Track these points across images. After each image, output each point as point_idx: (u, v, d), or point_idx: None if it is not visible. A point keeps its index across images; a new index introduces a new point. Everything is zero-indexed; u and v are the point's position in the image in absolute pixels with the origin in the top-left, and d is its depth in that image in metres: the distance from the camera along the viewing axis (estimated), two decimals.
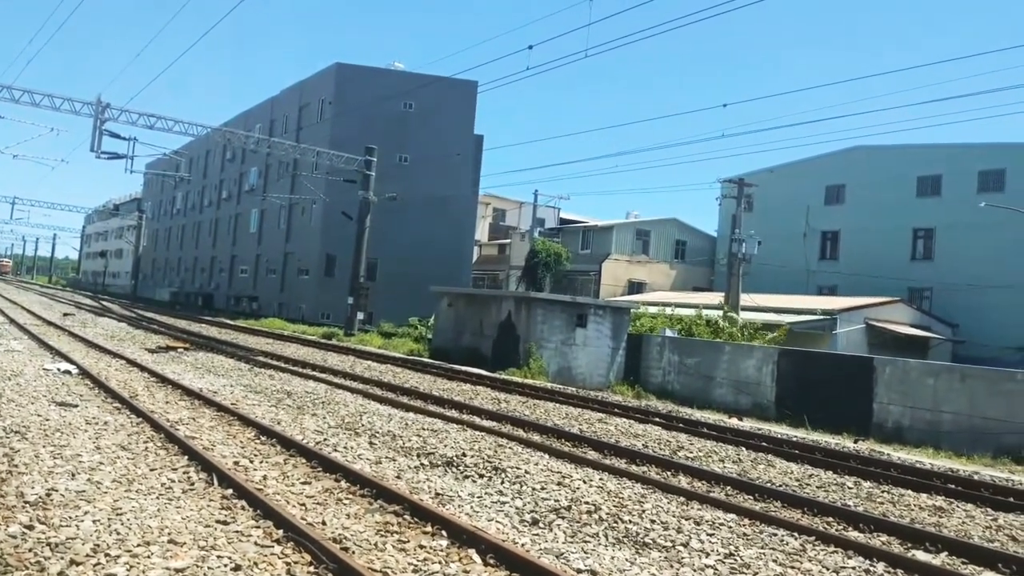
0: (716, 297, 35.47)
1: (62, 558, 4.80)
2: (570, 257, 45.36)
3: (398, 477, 7.86)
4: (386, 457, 8.83)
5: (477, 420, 12.10)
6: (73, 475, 6.82)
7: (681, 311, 30.19)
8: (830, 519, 7.60)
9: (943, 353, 33.64)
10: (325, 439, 9.60)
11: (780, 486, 8.97)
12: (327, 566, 4.98)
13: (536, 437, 10.99)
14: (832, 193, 44.26)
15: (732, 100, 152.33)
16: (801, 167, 45.32)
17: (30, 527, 5.33)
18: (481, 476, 8.19)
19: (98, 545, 5.08)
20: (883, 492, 9.20)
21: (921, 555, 6.60)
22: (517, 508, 7.00)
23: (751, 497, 8.32)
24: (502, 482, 7.96)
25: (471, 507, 6.92)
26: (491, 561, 5.41)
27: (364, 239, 33.01)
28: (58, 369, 14.08)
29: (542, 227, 50.20)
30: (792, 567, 5.88)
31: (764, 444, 11.88)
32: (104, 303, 49.31)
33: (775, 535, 6.73)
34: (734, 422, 15.16)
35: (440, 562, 5.35)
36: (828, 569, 5.91)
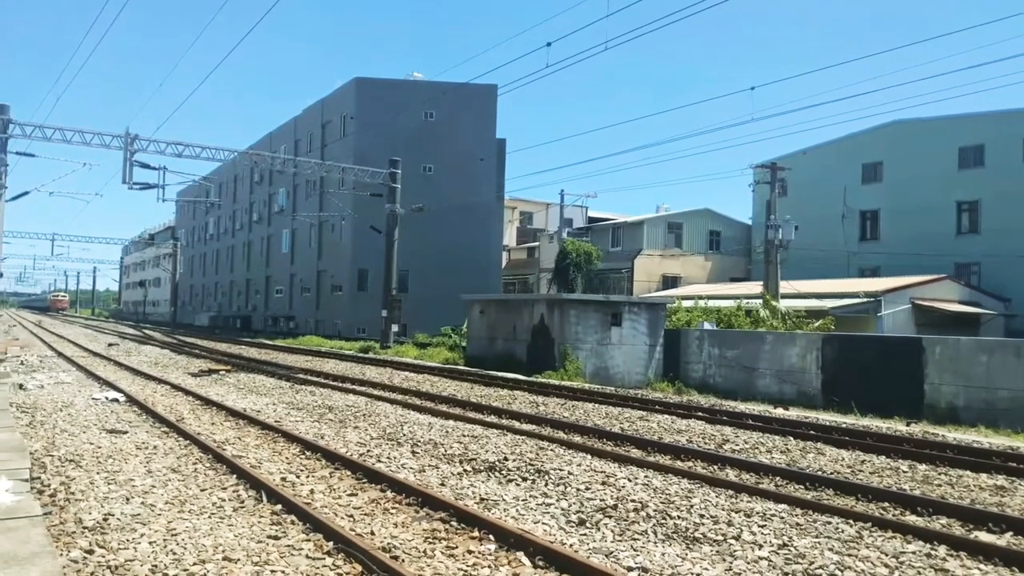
0: (754, 287, 34.98)
1: None
2: (601, 256, 45.13)
3: (442, 484, 7.87)
4: (429, 465, 8.85)
5: (517, 424, 12.08)
6: (127, 499, 6.94)
7: (719, 303, 29.84)
8: (886, 504, 7.43)
9: (995, 329, 32.74)
10: (368, 451, 9.66)
11: (831, 474, 8.80)
12: (378, 575, 5.00)
13: (577, 438, 10.94)
14: (869, 171, 43.27)
15: (759, 83, 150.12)
16: (835, 147, 44.46)
17: (90, 551, 5.44)
18: (524, 479, 8.17)
19: (156, 566, 5.16)
20: (940, 474, 8.97)
21: (984, 536, 6.41)
22: (563, 509, 6.96)
23: (802, 487, 8.17)
24: (546, 484, 7.92)
25: (516, 510, 6.89)
26: (540, 563, 5.38)
27: (394, 252, 33.24)
28: (106, 398, 14.38)
29: (570, 227, 50.04)
30: (849, 555, 5.75)
31: (812, 432, 11.67)
32: (146, 331, 50.34)
33: (829, 523, 6.60)
34: (780, 412, 14.92)
35: (489, 566, 5.34)
36: (887, 555, 5.77)
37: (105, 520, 6.25)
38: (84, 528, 6.02)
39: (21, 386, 15.96)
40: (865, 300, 31.14)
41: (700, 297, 32.12)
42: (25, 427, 10.80)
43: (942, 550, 5.92)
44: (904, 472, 9.09)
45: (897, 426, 13.36)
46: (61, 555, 5.28)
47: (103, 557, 5.32)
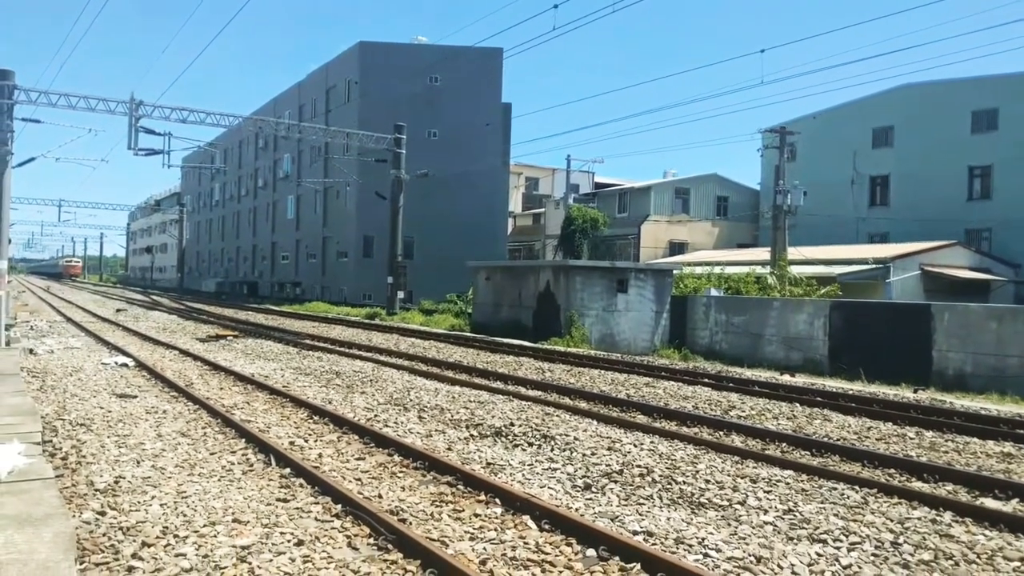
0: (762, 253, 34.80)
1: (134, 541, 4.95)
2: (607, 222, 44.86)
3: (449, 449, 7.92)
4: (436, 430, 8.90)
5: (523, 390, 12.13)
6: (138, 462, 7.01)
7: (726, 269, 29.72)
8: (892, 471, 7.45)
9: (1005, 295, 32.54)
10: (376, 415, 9.72)
11: (838, 440, 8.82)
12: (386, 537, 5.05)
13: (583, 404, 10.98)
14: (880, 136, 42.65)
15: (769, 45, 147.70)
16: (845, 111, 43.79)
17: (102, 513, 5.52)
18: (531, 444, 8.21)
19: (167, 527, 5.23)
20: (947, 441, 8.98)
21: (990, 502, 6.43)
22: (569, 474, 7.00)
23: (808, 453, 8.19)
24: (552, 449, 7.97)
25: (522, 475, 6.94)
26: (546, 526, 5.43)
27: (399, 218, 33.13)
28: (116, 363, 14.48)
29: (576, 193, 49.74)
30: (855, 520, 5.78)
31: (819, 399, 11.68)
32: (154, 297, 50.57)
33: (835, 489, 6.62)
34: (786, 379, 14.94)
35: (496, 529, 5.39)
36: (892, 520, 5.80)
37: (116, 483, 6.32)
38: (96, 490, 6.10)
39: (31, 351, 16.08)
40: (874, 266, 30.94)
41: (707, 263, 32.00)
42: (36, 392, 10.90)
43: (947, 516, 5.94)
44: (911, 439, 9.10)
45: (904, 393, 13.37)
46: (74, 516, 5.35)
47: (115, 519, 5.39)
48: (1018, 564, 5.00)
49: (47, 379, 12.20)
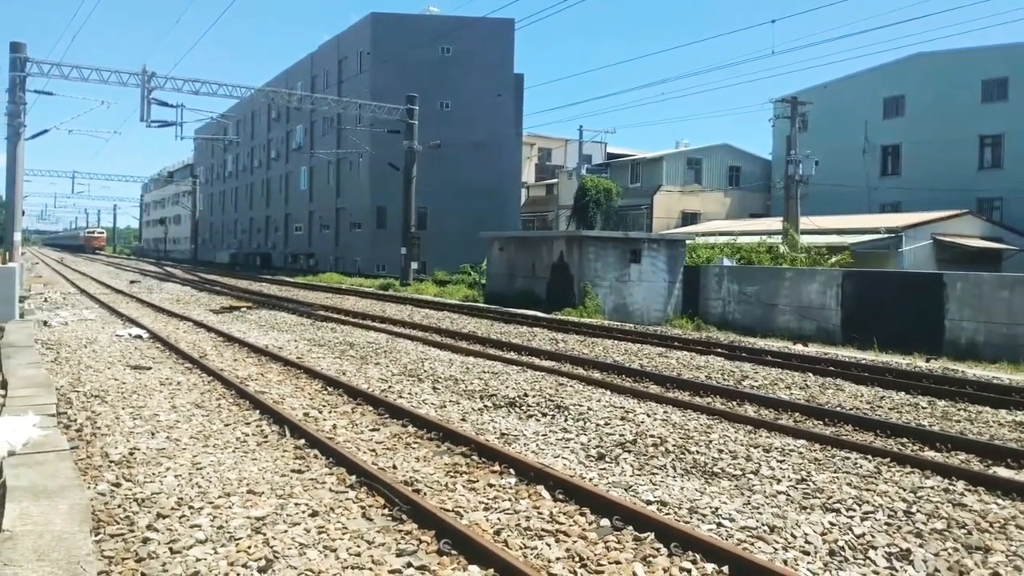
0: (774, 223, 34.54)
1: (149, 512, 5.00)
2: (620, 192, 44.58)
3: (463, 420, 7.95)
4: (450, 401, 8.94)
5: (536, 361, 12.14)
6: (153, 434, 7.08)
7: (739, 239, 29.53)
8: (904, 440, 7.43)
9: (1018, 264, 32.14)
10: (390, 386, 9.76)
11: (850, 410, 8.79)
12: (400, 508, 5.08)
13: (596, 374, 10.98)
14: (891, 105, 42.16)
15: (780, 15, 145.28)
16: (856, 80, 43.24)
17: (117, 484, 5.57)
18: (544, 415, 8.23)
19: (181, 498, 5.28)
20: (959, 410, 8.94)
21: (1003, 471, 6.40)
22: (582, 444, 7.01)
23: (821, 422, 8.17)
24: (565, 420, 7.98)
25: (536, 445, 6.96)
26: (560, 496, 5.45)
27: (412, 189, 33.05)
28: (129, 334, 14.60)
29: (589, 163, 49.34)
30: (867, 489, 5.77)
31: (831, 368, 11.64)
32: (167, 269, 50.87)
33: (848, 459, 6.61)
34: (799, 348, 14.88)
35: (510, 499, 5.41)
36: (905, 490, 5.78)
37: (131, 454, 6.38)
38: (111, 462, 6.16)
39: (45, 323, 16.23)
40: (886, 236, 30.69)
41: (720, 233, 31.79)
42: (50, 363, 11.01)
43: (960, 485, 5.92)
44: (923, 408, 9.06)
45: (917, 362, 13.29)
46: (89, 488, 5.41)
47: (130, 490, 5.45)
48: None
49: (61, 351, 12.32)
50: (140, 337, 14.40)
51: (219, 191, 77.98)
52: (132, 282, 33.87)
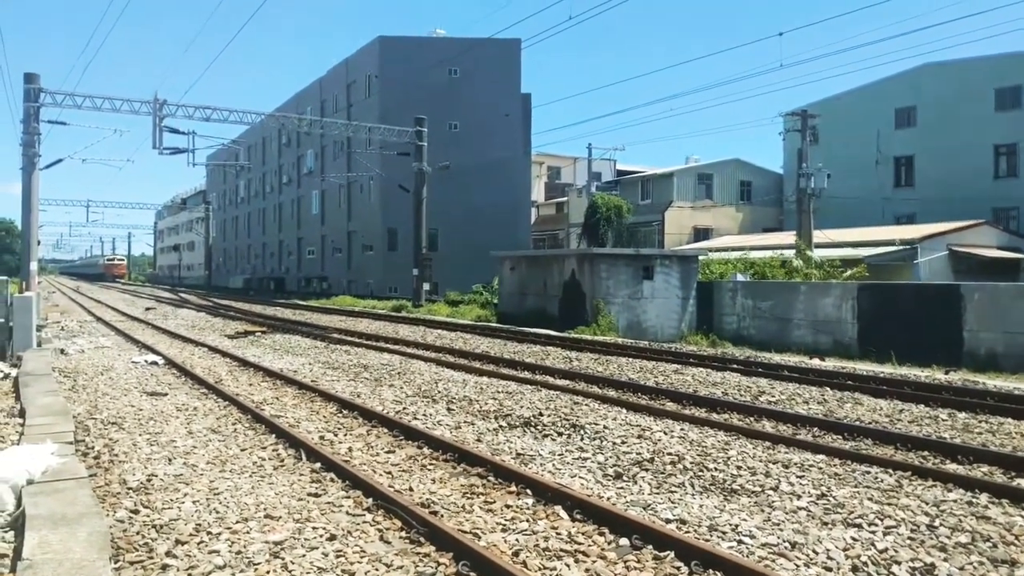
0: (787, 237, 34.42)
1: (167, 538, 5.00)
2: (631, 209, 44.60)
3: (478, 440, 7.92)
4: (465, 422, 8.91)
5: (551, 380, 12.10)
6: (170, 460, 7.10)
7: (752, 254, 29.44)
8: (925, 453, 7.33)
9: None
10: (404, 408, 9.75)
11: (869, 423, 8.70)
12: (418, 530, 5.06)
13: (612, 392, 10.93)
14: (903, 116, 42.05)
15: (787, 28, 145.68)
16: (867, 92, 43.23)
17: (135, 511, 5.58)
18: (560, 434, 8.19)
19: (200, 524, 5.28)
20: (980, 422, 8.82)
21: None
22: (599, 463, 6.97)
23: (839, 437, 8.09)
24: (582, 439, 7.94)
25: (553, 465, 6.92)
26: (578, 516, 5.41)
27: (422, 210, 33.22)
28: (145, 361, 14.68)
29: (599, 181, 49.53)
30: (889, 504, 5.69)
31: (849, 382, 11.53)
32: (182, 295, 51.22)
33: (868, 473, 6.53)
34: (815, 363, 14.76)
35: (528, 520, 5.37)
36: (928, 503, 5.70)
37: (149, 481, 6.39)
38: (129, 489, 6.17)
39: (62, 351, 16.36)
40: (901, 248, 30.52)
41: (732, 248, 31.71)
42: (68, 391, 11.08)
43: (984, 498, 5.83)
44: (943, 420, 8.95)
45: (935, 374, 13.16)
46: (108, 515, 5.41)
47: (148, 516, 5.45)
48: None
49: (78, 379, 12.40)
50: (156, 363, 14.48)
51: (232, 217, 78.64)
52: (147, 309, 34.13)
